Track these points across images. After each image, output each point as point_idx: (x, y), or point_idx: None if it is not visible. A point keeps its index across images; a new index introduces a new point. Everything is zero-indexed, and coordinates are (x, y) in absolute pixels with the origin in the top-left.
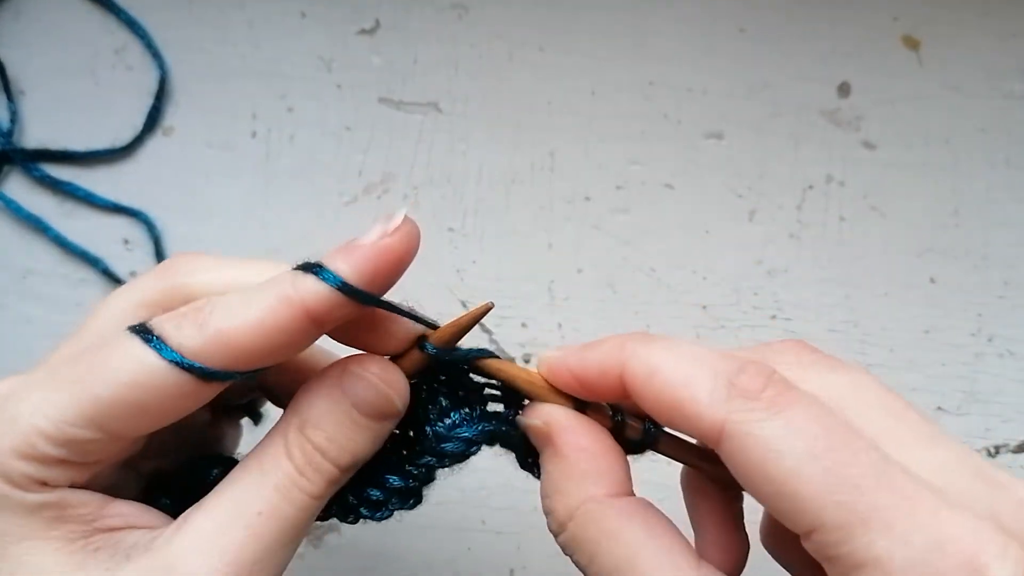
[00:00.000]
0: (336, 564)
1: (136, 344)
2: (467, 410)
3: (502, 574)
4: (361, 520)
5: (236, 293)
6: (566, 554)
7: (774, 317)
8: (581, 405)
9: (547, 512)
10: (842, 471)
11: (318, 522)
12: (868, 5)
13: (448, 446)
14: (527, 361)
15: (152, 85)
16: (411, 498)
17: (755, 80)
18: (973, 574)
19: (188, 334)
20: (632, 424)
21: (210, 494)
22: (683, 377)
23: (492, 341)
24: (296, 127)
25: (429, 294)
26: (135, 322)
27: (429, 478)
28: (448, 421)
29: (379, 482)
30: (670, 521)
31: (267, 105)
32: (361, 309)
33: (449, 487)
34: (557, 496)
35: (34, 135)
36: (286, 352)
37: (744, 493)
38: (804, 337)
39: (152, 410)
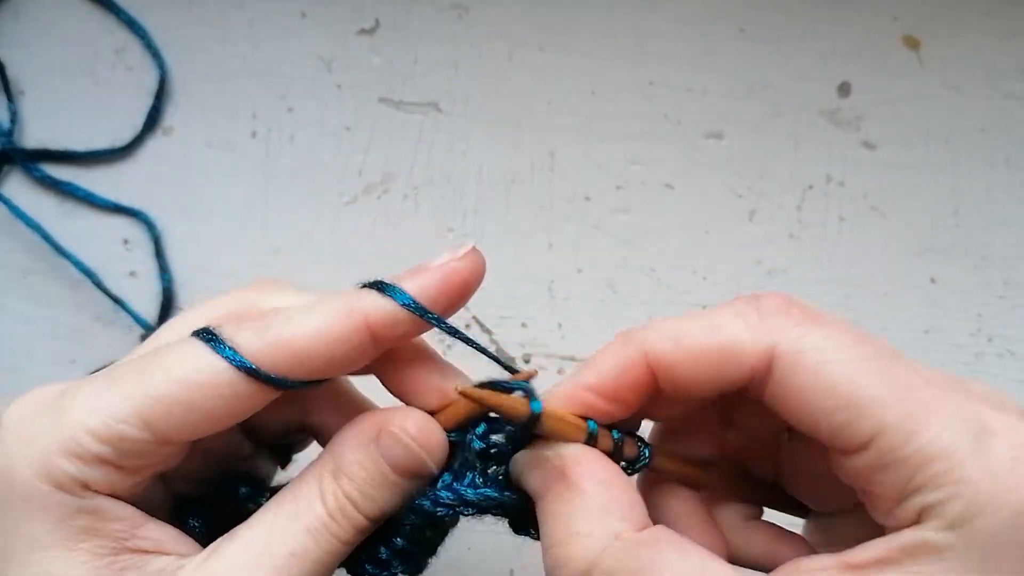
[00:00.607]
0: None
1: (195, 344)
2: (473, 476)
3: (502, 574)
4: None
5: (303, 305)
6: None
7: None
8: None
9: (557, 565)
10: (893, 372)
11: None
12: (868, 5)
13: (443, 495)
14: (527, 361)
15: (152, 85)
16: (417, 564)
17: (755, 80)
18: (1022, 452)
19: (247, 337)
20: (630, 445)
21: (242, 527)
22: (711, 327)
23: (492, 341)
24: (296, 127)
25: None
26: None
27: (427, 547)
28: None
29: (388, 542)
30: (691, 540)
31: (267, 105)
32: (421, 331)
33: None
34: (573, 541)
35: (34, 135)
36: (343, 365)
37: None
38: None
39: (204, 410)
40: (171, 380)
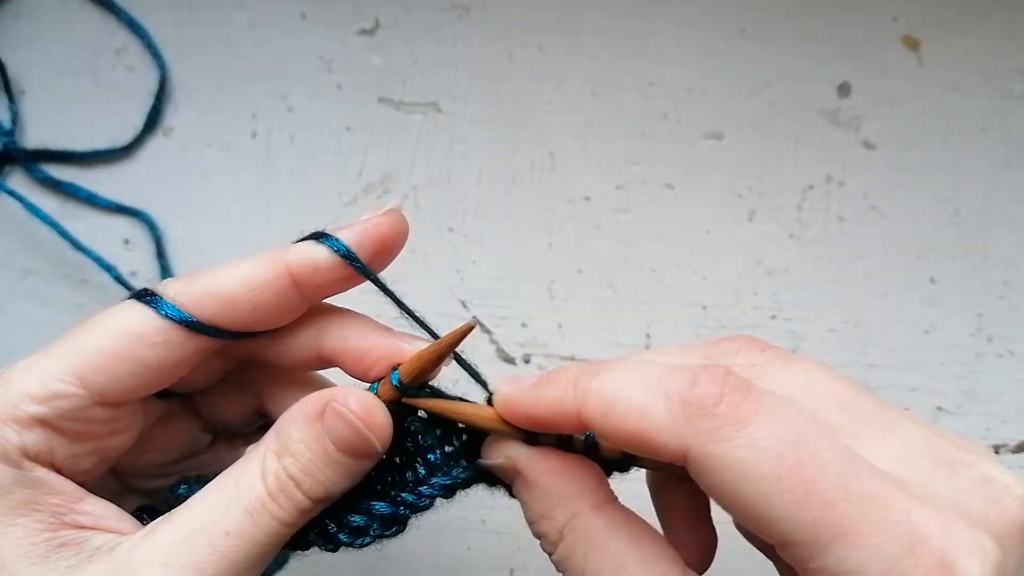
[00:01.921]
0: (337, 564)
1: (127, 303)
2: (448, 448)
3: (502, 574)
4: (342, 548)
5: (233, 259)
6: (559, 571)
7: (774, 317)
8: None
9: (538, 536)
10: (809, 488)
11: (299, 551)
12: (868, 5)
13: (425, 489)
14: (527, 361)
15: (152, 85)
16: (395, 525)
17: (755, 80)
18: (945, 574)
19: (176, 288)
20: (606, 445)
21: (181, 507)
22: (637, 408)
23: (492, 341)
24: (296, 127)
25: (429, 294)
26: None
27: (420, 508)
28: (431, 459)
29: (363, 509)
30: (654, 529)
31: (267, 105)
32: (345, 282)
33: None
34: (544, 521)
35: (34, 135)
36: (271, 313)
37: None
38: (804, 337)
39: (136, 361)
40: (102, 334)
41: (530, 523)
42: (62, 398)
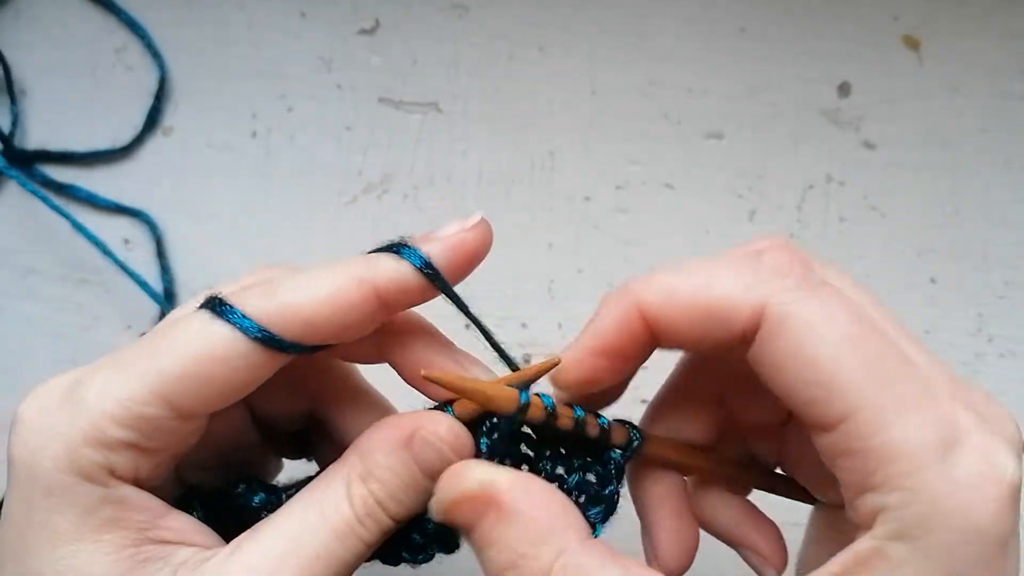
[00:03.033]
0: None
1: (202, 314)
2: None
3: None
4: (402, 563)
5: (309, 269)
6: None
7: None
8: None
9: None
10: (879, 357)
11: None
12: (868, 5)
13: None
14: (527, 361)
15: (152, 85)
16: (452, 543)
17: (755, 80)
18: (992, 469)
19: (255, 303)
20: (618, 430)
21: (265, 524)
22: (704, 280)
23: None
24: (296, 127)
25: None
26: None
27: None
28: None
29: (421, 527)
30: (629, 559)
31: (267, 105)
32: (427, 297)
33: None
34: (526, 562)
35: (34, 135)
36: (353, 330)
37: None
38: None
39: (219, 381)
40: (185, 354)
41: (502, 569)
42: (147, 420)
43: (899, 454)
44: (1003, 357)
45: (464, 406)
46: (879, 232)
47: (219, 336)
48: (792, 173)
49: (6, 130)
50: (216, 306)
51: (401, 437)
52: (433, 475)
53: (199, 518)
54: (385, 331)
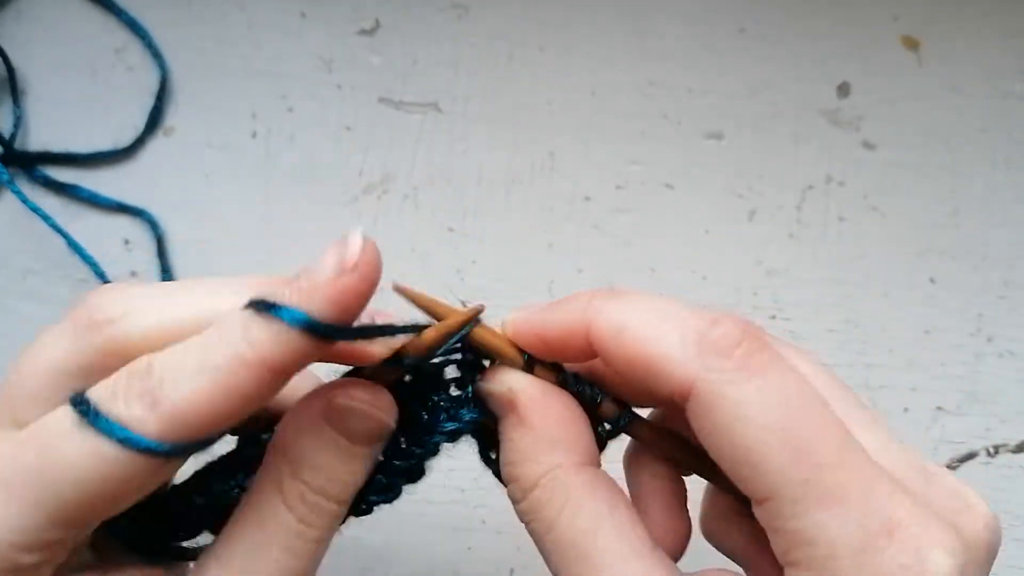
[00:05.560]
0: (336, 564)
1: (87, 433)
2: (443, 397)
3: (502, 574)
4: (375, 507)
5: (183, 352)
6: (523, 522)
7: (774, 317)
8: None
9: (510, 480)
10: (809, 447)
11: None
12: (868, 5)
13: (434, 438)
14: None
15: (152, 85)
16: (417, 475)
17: (755, 80)
18: (917, 564)
19: (139, 415)
20: (608, 406)
21: (208, 557)
22: (653, 333)
23: None
24: (296, 127)
25: (431, 294)
26: (67, 394)
27: (430, 454)
28: (427, 412)
29: (384, 468)
30: (629, 500)
31: (267, 105)
32: (328, 346)
33: (449, 487)
34: (524, 464)
35: (34, 135)
36: (253, 408)
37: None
38: (804, 337)
39: (118, 496)
40: (80, 481)
41: (506, 463)
42: (54, 545)
43: (815, 540)
44: (1003, 357)
45: (376, 370)
46: (879, 232)
47: (109, 457)
48: (792, 173)
49: (8, 131)
50: (95, 419)
51: (315, 415)
52: (363, 439)
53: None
54: None
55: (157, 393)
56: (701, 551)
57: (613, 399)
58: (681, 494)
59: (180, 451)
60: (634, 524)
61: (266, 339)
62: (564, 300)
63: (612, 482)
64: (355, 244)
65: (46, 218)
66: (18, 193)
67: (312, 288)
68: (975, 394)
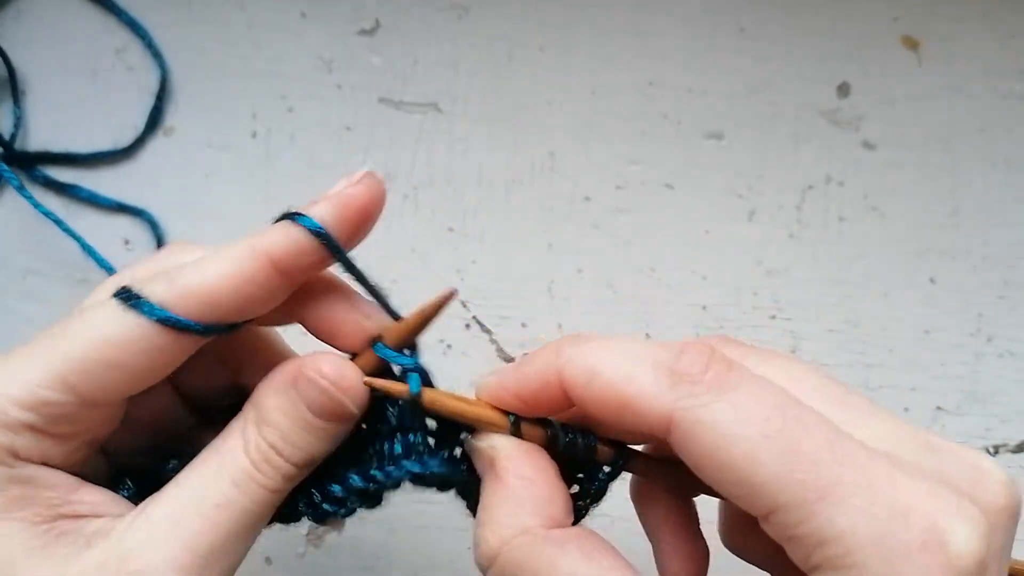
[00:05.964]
0: (336, 564)
1: (109, 303)
2: (420, 438)
3: None
4: (328, 518)
5: (214, 249)
6: None
7: (774, 317)
8: (528, 426)
9: (477, 543)
10: (797, 448)
11: (287, 524)
12: (868, 5)
13: (393, 470)
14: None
15: (152, 85)
16: (371, 500)
17: (755, 80)
18: (935, 538)
19: (158, 289)
20: (602, 450)
21: (169, 484)
22: (623, 374)
23: (492, 341)
24: (296, 127)
25: (429, 294)
26: None
27: (388, 487)
28: (401, 444)
29: (341, 479)
30: (611, 546)
31: (267, 105)
32: (326, 262)
33: None
34: (491, 526)
35: (34, 135)
36: (257, 304)
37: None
38: (804, 337)
39: (124, 366)
40: (88, 339)
41: (477, 525)
42: (50, 405)
43: (829, 538)
44: (1003, 357)
45: (367, 360)
46: (879, 232)
47: (122, 322)
48: (792, 173)
49: (8, 132)
50: (123, 295)
51: (287, 378)
52: (321, 413)
53: (130, 496)
54: (293, 299)
55: (176, 275)
56: (722, 564)
57: (607, 441)
58: (692, 516)
59: (188, 326)
60: (615, 566)
61: (274, 236)
62: (533, 354)
63: (590, 534)
64: (361, 170)
65: (58, 222)
66: (28, 197)
67: (325, 199)
68: (975, 394)
